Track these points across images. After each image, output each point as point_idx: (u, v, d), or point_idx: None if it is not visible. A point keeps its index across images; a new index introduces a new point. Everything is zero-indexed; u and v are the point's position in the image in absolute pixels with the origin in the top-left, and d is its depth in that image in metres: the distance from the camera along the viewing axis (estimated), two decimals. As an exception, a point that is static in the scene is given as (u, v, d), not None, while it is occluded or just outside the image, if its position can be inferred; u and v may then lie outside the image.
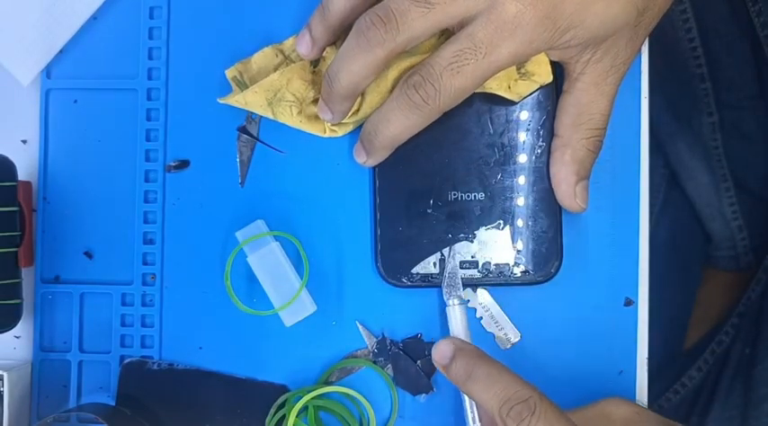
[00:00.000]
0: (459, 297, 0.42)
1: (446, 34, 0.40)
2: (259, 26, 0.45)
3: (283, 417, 0.43)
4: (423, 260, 0.43)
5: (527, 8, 0.36)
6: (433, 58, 0.37)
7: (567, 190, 0.41)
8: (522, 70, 0.41)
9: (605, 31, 0.38)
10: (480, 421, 0.41)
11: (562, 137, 0.41)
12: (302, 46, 0.42)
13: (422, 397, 0.44)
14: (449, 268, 0.42)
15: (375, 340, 0.44)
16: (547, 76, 0.41)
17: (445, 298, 0.42)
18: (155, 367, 0.45)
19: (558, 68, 0.42)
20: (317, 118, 0.43)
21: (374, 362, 0.44)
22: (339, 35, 0.42)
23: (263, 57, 0.44)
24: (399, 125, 0.39)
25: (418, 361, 0.44)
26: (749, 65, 0.68)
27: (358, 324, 0.44)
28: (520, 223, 0.43)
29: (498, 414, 0.36)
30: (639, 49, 0.41)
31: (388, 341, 0.44)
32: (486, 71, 0.37)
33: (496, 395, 0.37)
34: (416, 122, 0.39)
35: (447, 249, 0.43)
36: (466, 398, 0.41)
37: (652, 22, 0.40)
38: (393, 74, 0.40)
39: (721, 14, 0.67)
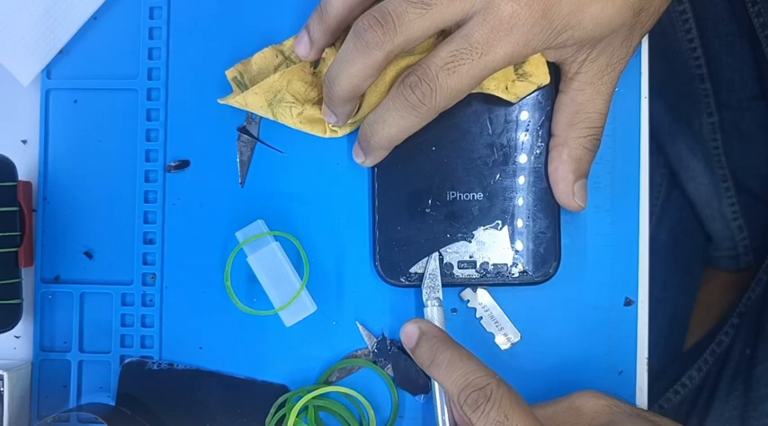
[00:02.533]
0: (438, 299, 0.42)
1: (444, 33, 0.40)
2: (259, 26, 0.45)
3: (283, 417, 0.43)
4: (421, 260, 0.43)
5: (523, 9, 0.36)
6: (429, 59, 0.37)
7: (565, 189, 0.41)
8: (520, 71, 0.41)
9: (601, 31, 0.38)
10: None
11: (559, 137, 0.41)
12: (300, 47, 0.42)
13: (421, 397, 0.44)
14: (429, 269, 0.42)
15: (375, 340, 0.44)
16: (544, 78, 0.41)
17: (424, 299, 0.42)
18: (155, 367, 0.45)
19: (555, 69, 0.42)
20: (317, 119, 0.43)
21: (374, 362, 0.44)
22: (338, 36, 0.42)
23: (262, 58, 0.44)
24: (396, 125, 0.39)
25: None
26: (749, 65, 0.68)
27: (358, 324, 0.44)
28: (518, 223, 0.43)
29: (456, 400, 0.37)
30: (636, 48, 0.41)
31: (388, 341, 0.44)
32: (482, 71, 0.37)
33: (456, 382, 0.37)
34: (413, 122, 0.39)
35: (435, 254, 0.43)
36: (437, 399, 0.42)
37: (649, 21, 0.40)
38: (391, 73, 0.40)
39: (721, 15, 0.67)
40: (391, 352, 0.44)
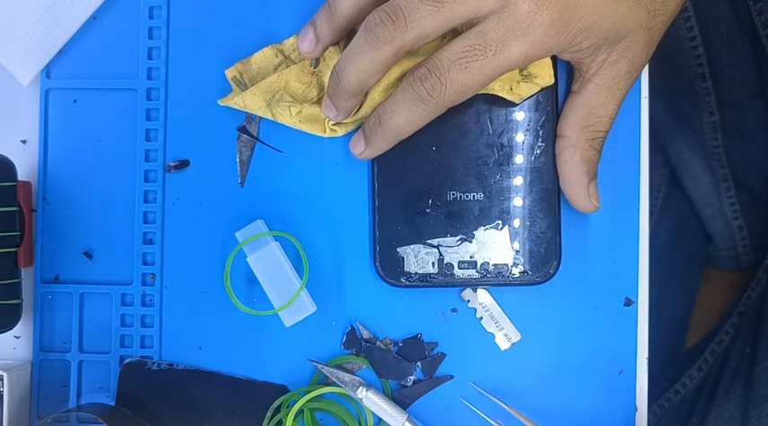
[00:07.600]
0: (365, 386, 0.43)
1: (453, 34, 0.40)
2: (259, 26, 0.45)
3: (280, 422, 0.43)
4: (421, 260, 0.43)
5: (540, 9, 0.36)
6: (441, 53, 0.37)
7: (581, 191, 0.41)
8: (525, 72, 0.41)
9: (616, 31, 0.38)
10: None
11: (569, 138, 0.41)
12: (304, 43, 0.42)
13: (409, 380, 0.44)
14: (330, 373, 0.43)
15: (344, 333, 0.44)
16: (549, 79, 0.41)
17: (352, 393, 0.43)
18: (155, 367, 0.45)
19: (562, 71, 0.41)
20: (316, 118, 0.43)
21: (354, 355, 0.44)
22: (344, 35, 0.42)
23: (262, 58, 0.44)
24: (402, 117, 0.39)
25: (395, 348, 0.44)
26: (750, 64, 0.68)
27: (358, 325, 0.44)
28: (518, 223, 0.42)
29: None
30: (652, 55, 0.40)
31: (357, 334, 0.44)
32: (494, 69, 0.37)
33: None
34: (420, 115, 0.39)
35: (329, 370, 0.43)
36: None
37: (665, 26, 0.40)
38: (396, 74, 0.40)
39: (722, 13, 0.67)
40: (363, 347, 0.44)
